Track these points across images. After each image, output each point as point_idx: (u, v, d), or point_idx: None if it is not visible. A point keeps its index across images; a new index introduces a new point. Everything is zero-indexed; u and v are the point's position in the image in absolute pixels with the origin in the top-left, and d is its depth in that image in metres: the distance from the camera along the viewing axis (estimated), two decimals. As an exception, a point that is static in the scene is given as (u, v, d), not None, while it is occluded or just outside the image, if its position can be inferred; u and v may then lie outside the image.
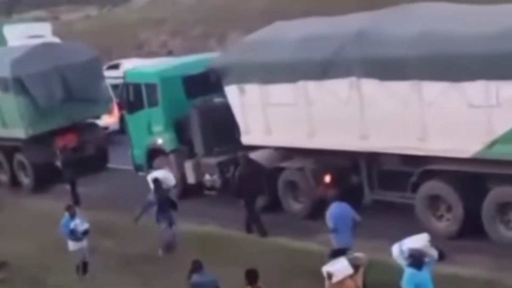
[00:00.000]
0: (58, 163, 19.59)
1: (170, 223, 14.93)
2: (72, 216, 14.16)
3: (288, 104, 15.18)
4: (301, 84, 14.79)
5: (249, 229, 15.48)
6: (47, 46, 21.72)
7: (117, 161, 22.20)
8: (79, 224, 14.10)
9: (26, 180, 21.75)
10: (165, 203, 14.94)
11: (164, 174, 15.73)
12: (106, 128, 23.82)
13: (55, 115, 20.62)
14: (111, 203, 18.93)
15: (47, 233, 17.30)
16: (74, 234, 14.13)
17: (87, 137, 21.87)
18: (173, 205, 15.16)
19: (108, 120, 24.27)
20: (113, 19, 42.55)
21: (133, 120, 19.01)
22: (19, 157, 21.62)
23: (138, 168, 19.40)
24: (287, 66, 14.95)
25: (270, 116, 15.73)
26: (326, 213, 12.14)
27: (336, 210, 12.04)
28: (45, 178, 21.19)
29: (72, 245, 14.35)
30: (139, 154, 19.08)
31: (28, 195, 21.32)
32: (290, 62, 14.89)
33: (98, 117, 22.76)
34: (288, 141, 15.62)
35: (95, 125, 22.73)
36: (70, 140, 21.23)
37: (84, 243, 14.35)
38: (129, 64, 27.62)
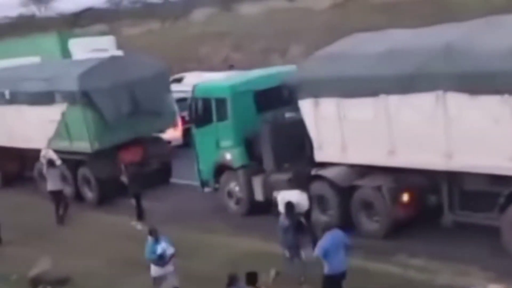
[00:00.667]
0: (124, 178, 19.28)
1: (298, 252, 13.35)
2: (157, 240, 13.22)
3: (367, 120, 14.54)
4: (382, 98, 14.13)
5: None
6: (115, 59, 21.44)
7: (180, 175, 21.92)
8: (166, 248, 13.12)
9: (90, 194, 21.48)
10: (297, 229, 13.37)
11: (297, 197, 14.22)
12: (169, 142, 23.45)
13: (121, 129, 20.30)
14: (175, 219, 18.53)
15: (112, 249, 17.12)
16: (163, 259, 13.16)
17: (151, 152, 21.53)
18: (304, 231, 13.47)
19: (172, 134, 23.93)
20: (174, 33, 42.52)
21: (200, 135, 18.56)
22: (83, 171, 21.37)
23: (203, 183, 18.99)
24: (367, 80, 14.30)
25: (347, 132, 15.10)
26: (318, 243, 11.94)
27: (327, 240, 11.83)
28: (109, 193, 20.94)
29: (156, 271, 13.33)
30: (206, 169, 18.66)
31: (92, 209, 21.00)
32: (370, 75, 14.25)
33: (163, 131, 22.41)
34: (365, 158, 14.96)
35: (159, 139, 22.39)
36: (135, 154, 20.92)
37: (170, 267, 13.33)
38: (192, 78, 27.39)
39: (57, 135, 21.27)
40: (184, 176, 21.48)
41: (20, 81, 22.47)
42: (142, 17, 50.42)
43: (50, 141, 21.57)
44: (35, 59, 28.38)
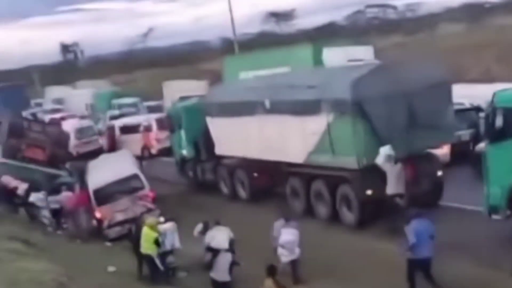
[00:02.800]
0: (399, 200, 16.95)
1: None
2: None
3: None
4: None
5: None
6: (389, 66, 19.02)
7: (449, 198, 19.43)
8: None
9: (349, 215, 19.40)
10: None
11: None
12: (437, 159, 20.76)
13: (394, 144, 17.95)
14: (448, 248, 15.81)
15: (374, 281, 15.03)
16: None
17: (422, 170, 19.12)
18: None
19: (439, 151, 21.20)
20: (422, 46, 40.05)
21: (496, 152, 15.71)
22: (344, 189, 19.30)
23: (492, 210, 16.13)
24: None
25: None
26: (406, 228, 13.33)
27: (417, 226, 13.37)
28: (371, 215, 18.74)
29: None
30: (498, 193, 15.81)
31: (349, 233, 18.87)
32: None
33: (438, 147, 19.79)
34: None
35: (431, 156, 19.82)
36: (406, 173, 18.51)
37: None
38: (458, 89, 24.58)
39: (318, 148, 19.44)
40: (454, 198, 19.19)
41: (282, 89, 21.01)
42: (388, 31, 48.80)
43: (310, 154, 19.80)
44: (285, 70, 27.09)
